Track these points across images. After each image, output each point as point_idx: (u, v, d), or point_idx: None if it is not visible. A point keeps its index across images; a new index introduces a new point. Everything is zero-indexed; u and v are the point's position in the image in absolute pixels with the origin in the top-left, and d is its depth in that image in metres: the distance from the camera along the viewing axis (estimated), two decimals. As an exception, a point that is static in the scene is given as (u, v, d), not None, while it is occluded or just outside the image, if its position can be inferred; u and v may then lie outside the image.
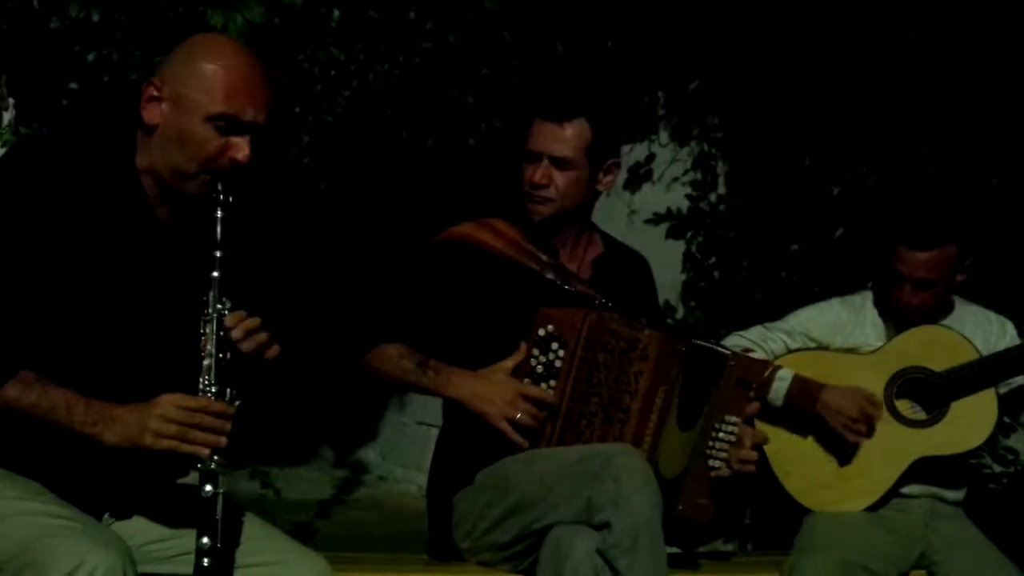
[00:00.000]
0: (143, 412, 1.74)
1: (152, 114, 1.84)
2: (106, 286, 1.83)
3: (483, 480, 2.36)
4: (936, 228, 2.65)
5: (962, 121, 3.97)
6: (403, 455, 5.27)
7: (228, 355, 1.79)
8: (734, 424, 2.38)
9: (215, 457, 1.75)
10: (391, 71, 3.66)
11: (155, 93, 1.84)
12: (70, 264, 1.80)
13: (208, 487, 1.75)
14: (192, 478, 1.97)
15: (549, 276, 2.41)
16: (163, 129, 1.84)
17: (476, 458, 2.38)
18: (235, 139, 1.82)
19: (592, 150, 2.42)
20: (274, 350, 1.83)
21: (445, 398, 2.39)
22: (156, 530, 1.91)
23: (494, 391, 2.29)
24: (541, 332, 2.31)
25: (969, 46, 3.87)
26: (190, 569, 1.82)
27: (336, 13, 3.51)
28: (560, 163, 2.41)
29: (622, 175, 2.71)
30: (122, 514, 1.91)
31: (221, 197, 1.82)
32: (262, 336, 1.80)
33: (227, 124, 1.81)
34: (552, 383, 2.31)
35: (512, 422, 2.28)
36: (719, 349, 2.40)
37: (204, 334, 1.78)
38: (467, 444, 2.40)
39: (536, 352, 2.32)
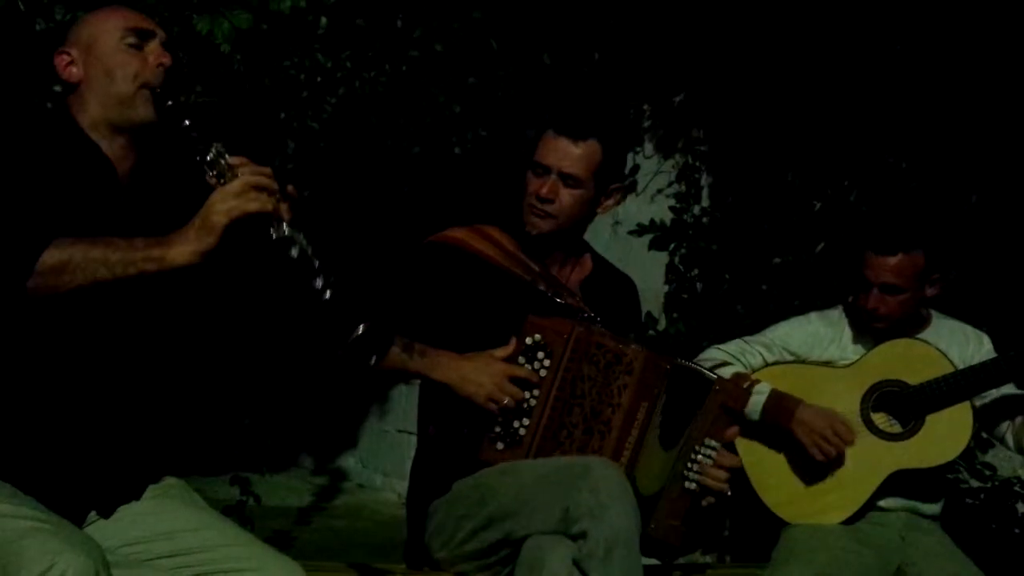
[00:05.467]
0: (200, 214, 1.76)
1: (73, 73, 1.95)
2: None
3: (460, 490, 2.35)
4: (903, 234, 2.68)
5: (943, 138, 4.01)
6: (383, 463, 5.27)
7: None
8: (713, 448, 2.38)
9: (285, 221, 1.78)
10: (377, 79, 3.67)
11: (68, 58, 1.96)
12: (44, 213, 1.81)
13: (294, 250, 1.78)
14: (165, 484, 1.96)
15: (540, 287, 2.41)
16: (88, 78, 1.94)
17: (453, 467, 2.37)
18: (149, 47, 1.95)
19: (600, 172, 2.42)
20: (284, 209, 1.83)
21: (430, 383, 2.36)
22: (131, 534, 1.90)
23: (482, 372, 2.27)
24: (528, 340, 2.31)
25: (953, 62, 3.91)
26: (166, 574, 1.82)
27: (323, 20, 3.52)
28: (568, 180, 2.40)
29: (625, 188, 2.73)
30: (100, 513, 1.90)
31: (165, 97, 1.91)
32: (270, 186, 1.82)
33: (136, 38, 1.94)
34: (536, 392, 2.31)
35: (499, 404, 2.27)
36: (705, 373, 2.41)
37: (213, 168, 1.81)
38: (444, 451, 2.40)
39: (522, 360, 2.31)
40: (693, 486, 2.38)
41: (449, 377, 2.30)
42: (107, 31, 1.95)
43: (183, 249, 1.76)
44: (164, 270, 1.77)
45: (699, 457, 2.38)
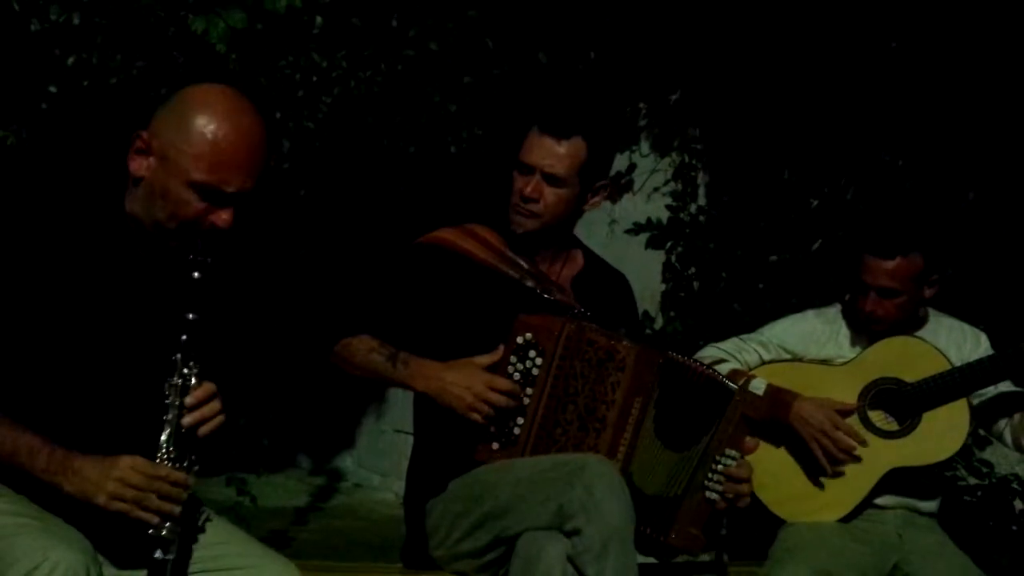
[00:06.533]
0: (103, 470, 1.72)
1: (138, 166, 1.81)
2: (83, 322, 1.82)
3: (456, 488, 2.35)
4: (900, 238, 2.67)
5: (940, 135, 4.01)
6: (380, 462, 5.26)
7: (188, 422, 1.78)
8: (732, 459, 2.40)
9: (167, 524, 1.74)
10: (373, 78, 3.67)
11: (142, 146, 1.81)
12: (48, 301, 1.79)
13: (159, 552, 1.74)
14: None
15: (529, 284, 2.42)
16: (148, 183, 1.81)
17: (450, 466, 2.37)
18: (217, 208, 1.80)
19: (585, 170, 2.41)
20: (218, 420, 1.81)
21: (415, 392, 2.38)
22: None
23: (463, 383, 2.28)
24: (519, 340, 2.31)
25: (948, 60, 3.91)
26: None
27: (319, 20, 3.52)
28: (552, 179, 2.40)
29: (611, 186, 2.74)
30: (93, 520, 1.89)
31: (199, 258, 1.80)
32: (215, 422, 1.80)
33: (209, 193, 1.79)
34: (529, 391, 2.31)
35: (481, 414, 2.27)
36: (727, 383, 2.40)
37: (168, 398, 1.77)
38: (440, 451, 2.40)
39: (514, 359, 2.31)
40: (714, 496, 2.39)
41: (430, 387, 2.31)
42: (188, 163, 1.75)
43: (70, 489, 1.72)
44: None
45: (719, 467, 2.39)
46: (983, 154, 3.99)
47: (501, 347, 2.31)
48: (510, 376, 2.31)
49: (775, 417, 2.67)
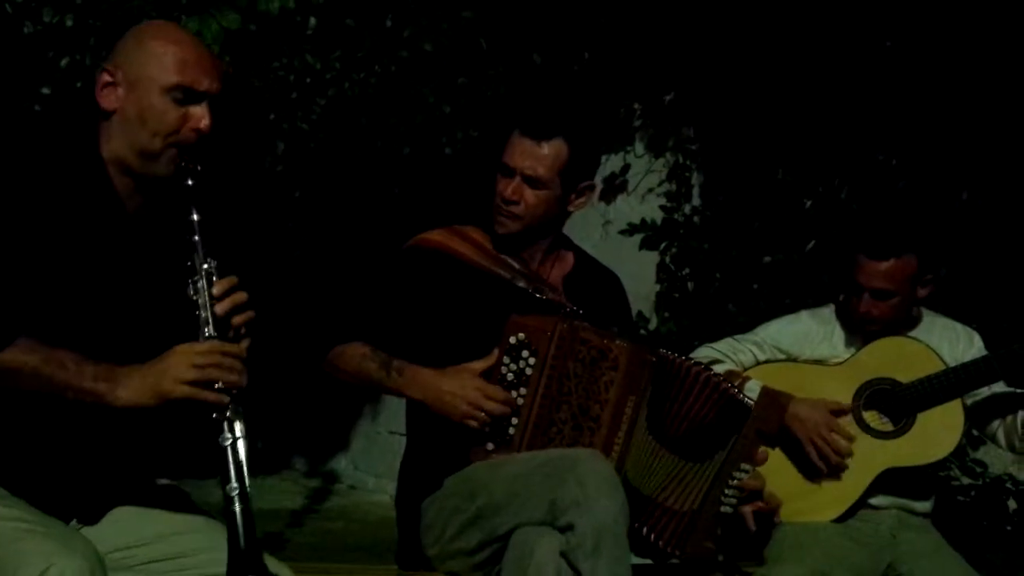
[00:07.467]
0: (160, 363, 1.74)
1: (109, 100, 1.87)
2: (76, 278, 1.83)
3: (450, 486, 2.35)
4: (894, 239, 2.68)
5: (933, 135, 4.02)
6: (374, 464, 5.26)
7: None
8: (746, 472, 2.41)
9: (230, 404, 1.76)
10: (367, 79, 3.66)
11: (109, 79, 1.87)
12: (43, 257, 1.80)
13: (228, 434, 1.76)
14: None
15: (520, 284, 2.42)
16: (122, 112, 1.87)
17: (443, 465, 2.37)
18: (193, 109, 1.86)
19: (567, 171, 2.41)
20: (249, 313, 1.84)
21: (409, 399, 2.38)
22: (121, 538, 1.89)
23: (458, 391, 2.28)
24: (512, 340, 2.31)
25: (942, 59, 3.92)
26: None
27: (312, 21, 3.51)
28: (533, 181, 2.40)
29: (597, 186, 2.73)
30: (89, 519, 1.89)
31: (189, 166, 1.85)
32: (247, 314, 1.83)
33: (184, 95, 1.86)
34: (522, 391, 2.31)
35: (476, 422, 2.28)
36: (745, 400, 2.40)
37: (196, 292, 1.80)
38: (434, 451, 2.40)
39: (507, 360, 2.31)
40: (729, 510, 2.41)
41: (425, 396, 2.32)
42: (158, 74, 1.84)
43: (125, 396, 1.74)
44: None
45: (734, 482, 2.40)
46: (977, 154, 4.00)
47: (495, 351, 2.31)
48: (503, 376, 2.31)
49: (770, 418, 2.68)
